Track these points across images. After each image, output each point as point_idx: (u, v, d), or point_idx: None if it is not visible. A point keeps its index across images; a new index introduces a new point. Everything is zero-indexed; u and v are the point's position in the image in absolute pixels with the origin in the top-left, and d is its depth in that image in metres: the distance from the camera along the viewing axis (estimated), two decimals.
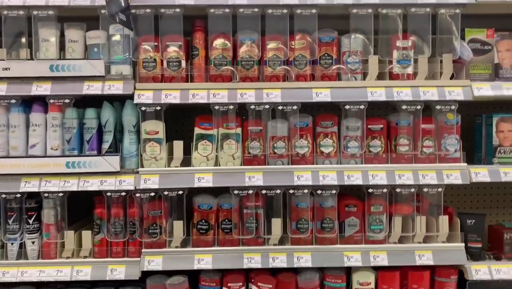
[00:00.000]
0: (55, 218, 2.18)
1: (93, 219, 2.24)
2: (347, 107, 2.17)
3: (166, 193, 2.14)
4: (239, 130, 2.22)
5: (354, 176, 2.17)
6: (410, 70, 2.20)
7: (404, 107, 2.16)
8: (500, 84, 2.19)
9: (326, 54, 2.20)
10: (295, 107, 2.16)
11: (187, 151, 2.21)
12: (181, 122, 2.57)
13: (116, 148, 2.22)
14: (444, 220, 2.21)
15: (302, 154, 2.21)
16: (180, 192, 2.15)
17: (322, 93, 2.16)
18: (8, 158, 2.14)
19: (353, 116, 2.21)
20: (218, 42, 2.18)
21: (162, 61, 2.17)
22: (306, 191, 2.16)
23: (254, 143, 2.20)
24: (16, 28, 2.14)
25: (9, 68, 2.11)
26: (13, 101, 2.13)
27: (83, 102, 2.20)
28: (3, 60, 2.13)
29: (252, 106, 2.16)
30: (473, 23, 2.28)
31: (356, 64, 2.19)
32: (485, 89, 2.17)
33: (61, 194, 2.14)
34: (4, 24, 2.12)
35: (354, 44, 2.19)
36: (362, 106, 2.16)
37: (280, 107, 2.17)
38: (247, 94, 2.16)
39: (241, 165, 2.21)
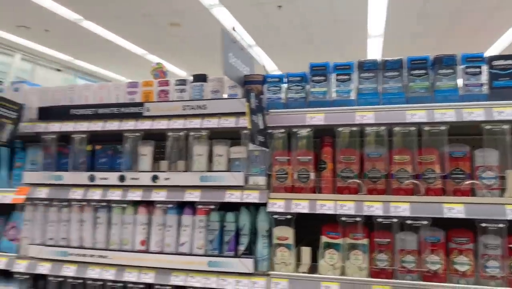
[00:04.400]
0: None
1: None
2: (483, 224, 1.92)
3: None
4: (365, 241, 2.12)
5: None
6: None
7: None
8: None
9: (457, 169, 2.03)
10: (425, 222, 1.99)
11: (313, 258, 2.17)
12: (308, 229, 2.54)
13: (250, 250, 2.28)
14: None
15: (433, 270, 1.99)
16: None
17: (454, 208, 1.97)
18: (163, 254, 2.35)
19: (491, 234, 1.94)
20: (345, 156, 2.17)
21: (293, 173, 2.23)
22: None
23: (381, 255, 2.07)
24: (176, 145, 2.44)
25: (169, 178, 2.38)
26: (170, 205, 2.37)
27: (222, 206, 2.35)
28: (165, 172, 2.41)
29: (379, 219, 2.06)
30: None
31: (492, 180, 1.97)
32: None
33: None
34: (168, 142, 2.43)
35: (489, 159, 1.98)
36: (501, 225, 1.89)
37: (408, 222, 2.02)
38: (374, 207, 2.07)
39: (367, 277, 2.07)
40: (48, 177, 2.60)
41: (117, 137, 2.61)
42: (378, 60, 2.20)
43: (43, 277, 2.60)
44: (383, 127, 2.11)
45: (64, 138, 2.66)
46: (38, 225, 2.64)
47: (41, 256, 2.57)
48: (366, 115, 2.13)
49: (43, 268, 2.55)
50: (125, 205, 2.48)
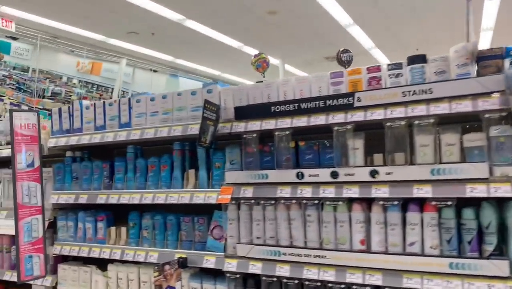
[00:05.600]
0: None
1: None
2: None
3: None
4: None
5: None
6: None
7: None
8: None
9: None
10: None
11: None
12: None
13: (500, 250, 1.99)
14: None
15: None
16: None
17: None
18: (392, 255, 2.16)
19: None
20: None
21: None
22: None
23: None
24: (393, 136, 2.21)
25: (391, 173, 2.17)
26: (395, 202, 2.17)
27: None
28: (385, 166, 2.21)
29: None
30: None
31: None
32: None
33: None
34: (385, 133, 2.21)
35: None
36: None
37: None
38: None
39: None
40: (253, 176, 2.56)
41: (318, 131, 2.47)
42: None
43: (251, 276, 2.59)
44: None
45: (263, 136, 2.59)
46: (243, 224, 2.63)
47: (251, 255, 2.55)
48: None
49: (255, 268, 2.53)
50: (338, 203, 2.33)
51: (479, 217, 2.05)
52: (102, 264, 3.30)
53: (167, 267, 2.66)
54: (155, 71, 14.77)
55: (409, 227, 2.17)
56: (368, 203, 2.32)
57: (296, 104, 2.42)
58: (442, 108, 2.08)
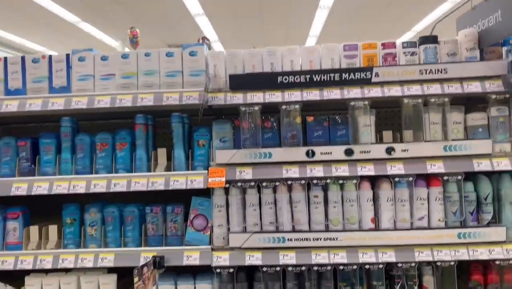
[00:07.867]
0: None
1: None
2: None
3: None
4: None
5: None
6: None
7: None
8: None
9: None
10: None
11: None
12: None
13: (495, 218, 2.21)
14: None
15: None
16: None
17: None
18: (401, 230, 2.18)
19: None
20: None
21: None
22: None
23: None
24: (405, 113, 2.22)
25: (407, 150, 2.18)
26: (410, 179, 2.18)
27: None
28: (400, 143, 2.20)
29: None
30: None
31: None
32: None
33: (452, 263, 2.14)
34: (402, 110, 2.21)
35: None
36: None
37: None
38: None
39: None
40: (254, 155, 2.22)
41: (317, 108, 2.30)
42: None
43: (241, 269, 2.27)
44: None
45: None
46: (235, 210, 2.27)
47: (248, 245, 2.23)
48: None
49: (254, 259, 2.22)
50: (350, 181, 2.22)
51: (477, 189, 2.23)
52: (11, 278, 2.42)
53: (145, 269, 2.10)
54: None
55: (419, 202, 2.22)
56: (371, 180, 2.28)
57: (308, 76, 2.19)
58: (455, 88, 2.17)
